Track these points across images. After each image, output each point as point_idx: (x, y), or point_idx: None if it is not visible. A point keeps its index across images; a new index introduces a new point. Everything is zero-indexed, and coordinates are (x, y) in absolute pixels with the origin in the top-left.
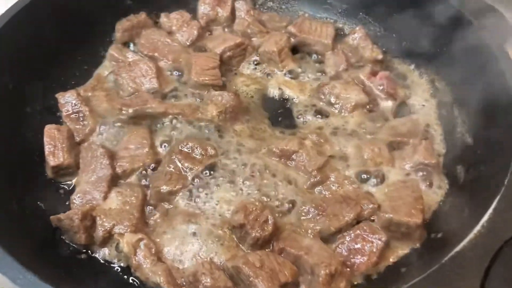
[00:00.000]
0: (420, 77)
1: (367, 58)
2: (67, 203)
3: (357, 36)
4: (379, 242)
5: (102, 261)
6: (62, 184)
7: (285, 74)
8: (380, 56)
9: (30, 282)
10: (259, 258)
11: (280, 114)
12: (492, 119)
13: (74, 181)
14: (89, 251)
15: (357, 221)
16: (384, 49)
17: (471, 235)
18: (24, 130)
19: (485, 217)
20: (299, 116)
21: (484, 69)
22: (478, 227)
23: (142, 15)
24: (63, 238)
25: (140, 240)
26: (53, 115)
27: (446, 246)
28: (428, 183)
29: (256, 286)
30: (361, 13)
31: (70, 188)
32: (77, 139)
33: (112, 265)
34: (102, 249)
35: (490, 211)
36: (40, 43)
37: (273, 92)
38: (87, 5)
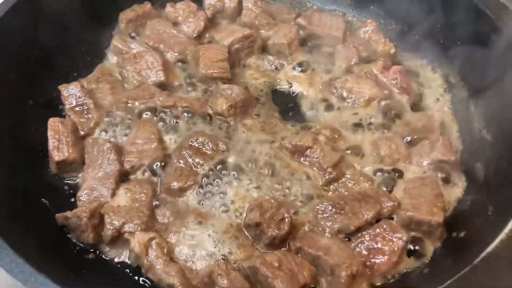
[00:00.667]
0: (433, 72)
1: (379, 52)
2: (72, 200)
3: (368, 29)
4: (400, 241)
5: (111, 262)
6: (66, 180)
7: (294, 67)
8: (392, 50)
9: (41, 284)
10: (277, 258)
11: (291, 108)
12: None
13: (79, 176)
14: (97, 251)
15: (377, 219)
16: (395, 43)
17: (502, 235)
18: (27, 124)
19: None
20: (310, 110)
21: (501, 63)
22: (509, 227)
23: (147, 5)
24: (70, 237)
25: (152, 239)
26: (55, 108)
27: (472, 246)
28: (446, 180)
29: (275, 287)
30: (372, 6)
31: (75, 184)
32: (81, 133)
33: (121, 265)
34: (111, 248)
35: None
36: (42, 34)
37: (283, 85)
38: None
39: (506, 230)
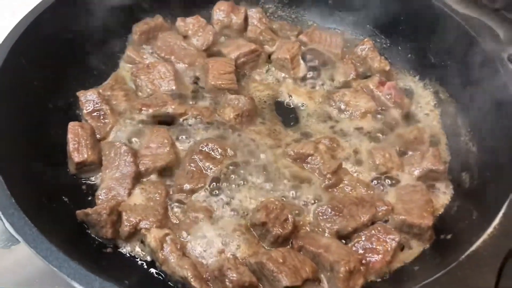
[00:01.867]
0: (425, 88)
1: (375, 69)
2: (89, 198)
3: (365, 47)
4: (393, 242)
5: (127, 255)
6: (84, 180)
7: (296, 81)
8: (387, 67)
9: (74, 270)
10: (281, 255)
11: (292, 119)
12: (496, 128)
13: (95, 177)
14: (115, 245)
15: (372, 222)
16: (390, 60)
17: (484, 236)
18: (47, 127)
19: (496, 220)
20: (310, 121)
21: (487, 81)
22: (490, 229)
23: (159, 19)
24: (89, 232)
25: (167, 235)
26: (73, 112)
27: (458, 246)
28: (435, 188)
29: (280, 281)
30: (368, 25)
31: (92, 184)
32: (98, 136)
33: (136, 259)
34: (127, 243)
35: (500, 214)
36: (62, 44)
37: (285, 97)
38: (106, 7)
39: (488, 231)
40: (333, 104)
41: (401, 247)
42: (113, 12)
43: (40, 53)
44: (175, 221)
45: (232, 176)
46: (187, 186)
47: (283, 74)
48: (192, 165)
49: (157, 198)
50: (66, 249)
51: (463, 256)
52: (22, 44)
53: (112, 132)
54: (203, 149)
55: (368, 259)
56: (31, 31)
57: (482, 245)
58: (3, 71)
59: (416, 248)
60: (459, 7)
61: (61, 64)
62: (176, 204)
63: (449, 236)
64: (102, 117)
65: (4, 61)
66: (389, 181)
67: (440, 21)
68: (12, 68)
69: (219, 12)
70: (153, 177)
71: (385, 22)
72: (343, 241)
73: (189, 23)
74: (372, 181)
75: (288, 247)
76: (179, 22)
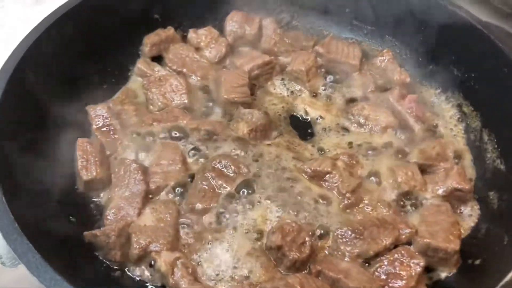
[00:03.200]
0: (447, 101)
1: (395, 81)
2: (97, 217)
3: (385, 58)
4: (417, 267)
5: (137, 279)
6: (93, 199)
7: (312, 93)
8: (408, 79)
9: None
10: (299, 281)
11: (309, 133)
12: None
13: (104, 195)
14: (123, 268)
15: (395, 245)
16: (410, 72)
17: None
18: (55, 143)
19: None
20: (327, 136)
21: None
22: None
23: (171, 30)
24: (97, 254)
25: (178, 258)
26: (82, 127)
27: (488, 273)
28: (460, 208)
29: None
30: (387, 35)
31: (101, 203)
32: (108, 152)
33: (146, 283)
34: (136, 267)
35: None
36: (71, 56)
37: (300, 111)
38: (115, 19)
39: None
40: (352, 118)
41: (425, 272)
42: (123, 24)
43: (48, 66)
44: (186, 243)
45: (246, 194)
46: (199, 206)
47: (298, 87)
48: (204, 183)
49: (168, 219)
50: (71, 274)
51: (497, 287)
52: (30, 57)
53: (121, 148)
54: (216, 166)
55: (391, 285)
56: (39, 44)
57: None
58: (10, 85)
59: (441, 273)
60: (482, 16)
61: (70, 77)
62: (188, 225)
63: (477, 261)
64: (112, 132)
65: (11, 75)
66: (412, 200)
67: (463, 31)
68: (20, 82)
69: (232, 23)
70: (164, 195)
71: (404, 32)
72: (366, 265)
73: (202, 35)
74: (394, 201)
75: (305, 271)
76: (191, 33)
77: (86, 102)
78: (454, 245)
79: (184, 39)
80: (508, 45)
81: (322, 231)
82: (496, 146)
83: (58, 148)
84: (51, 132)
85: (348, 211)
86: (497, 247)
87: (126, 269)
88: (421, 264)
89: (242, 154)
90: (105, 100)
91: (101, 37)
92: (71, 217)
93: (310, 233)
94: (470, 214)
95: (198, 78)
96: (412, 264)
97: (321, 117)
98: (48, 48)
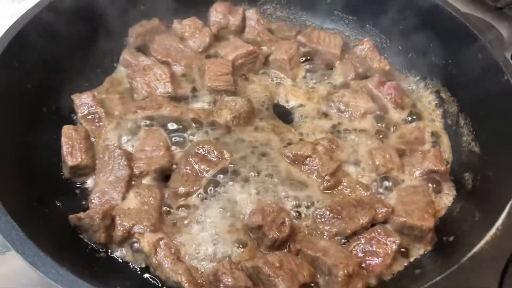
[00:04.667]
0: (426, 88)
1: (374, 69)
2: (83, 203)
3: (365, 47)
4: (393, 245)
5: (121, 260)
6: (78, 184)
7: (294, 82)
8: (387, 67)
9: (61, 276)
10: (278, 259)
11: (290, 120)
12: (498, 128)
13: (89, 181)
14: (108, 250)
15: (372, 224)
16: (390, 60)
17: (487, 237)
18: (41, 130)
19: (499, 221)
20: (309, 122)
21: (489, 80)
22: (493, 230)
23: (155, 21)
24: (82, 237)
25: (160, 239)
26: (67, 116)
27: (460, 248)
28: (437, 189)
29: (277, 286)
30: (367, 25)
31: (86, 188)
32: (93, 139)
33: (130, 264)
34: (120, 248)
35: (503, 215)
36: (56, 46)
37: (283, 99)
38: (101, 10)
39: (490, 232)
40: (332, 105)
41: (401, 249)
42: (109, 14)
43: (33, 56)
44: (169, 225)
45: (228, 178)
46: (182, 189)
47: (281, 75)
48: (187, 167)
49: (152, 202)
50: (56, 254)
51: (464, 258)
52: (15, 47)
53: (106, 135)
54: (199, 151)
55: (368, 262)
56: (25, 34)
57: (485, 247)
58: None
59: (417, 250)
60: (460, 6)
61: (56, 67)
62: (171, 207)
63: (451, 238)
64: (96, 120)
65: None
66: (389, 182)
67: (441, 20)
68: (5, 71)
69: (216, 14)
70: (148, 180)
71: (385, 21)
72: (344, 244)
73: (186, 25)
74: (372, 182)
75: (285, 250)
76: (176, 24)
77: (71, 91)
78: (428, 223)
79: (169, 29)
80: (485, 34)
81: (301, 212)
82: (471, 129)
83: (45, 135)
84: (37, 120)
85: (328, 192)
86: (470, 223)
87: (110, 251)
88: (397, 242)
89: (225, 139)
90: (91, 89)
91: (86, 28)
92: (57, 202)
93: (289, 214)
94: (446, 194)
95: (183, 67)
96: (388, 242)
97: (303, 104)
98: (33, 38)
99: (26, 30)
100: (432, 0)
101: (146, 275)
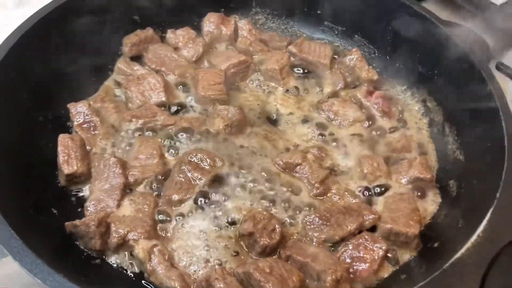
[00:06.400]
0: (412, 97)
1: (363, 78)
2: (79, 210)
3: (353, 57)
4: (380, 251)
5: (116, 267)
6: (74, 192)
7: (285, 91)
8: (375, 77)
9: (59, 283)
10: (268, 265)
11: (282, 128)
12: (481, 137)
13: (85, 188)
14: (103, 257)
15: (359, 230)
16: (378, 70)
17: (468, 244)
18: (37, 139)
19: (481, 227)
20: (299, 131)
21: (474, 90)
22: (474, 236)
23: (150, 31)
24: (77, 244)
25: (154, 246)
26: (63, 124)
27: (444, 254)
28: (422, 196)
29: None
30: (356, 36)
31: (81, 196)
32: (88, 148)
33: (125, 270)
34: (115, 255)
35: (484, 222)
36: (52, 56)
37: (274, 107)
38: (96, 20)
39: (472, 239)
40: (322, 114)
41: (388, 255)
42: (104, 25)
43: (29, 65)
44: (163, 232)
45: (221, 186)
46: (175, 197)
47: (272, 85)
48: (180, 175)
49: (146, 209)
50: (52, 261)
51: (447, 264)
52: (12, 56)
53: (102, 143)
54: (192, 159)
55: (355, 267)
56: (21, 43)
57: (466, 253)
58: None
59: (403, 256)
60: (448, 16)
61: (52, 76)
62: (165, 215)
63: (436, 244)
64: (92, 129)
65: None
66: (377, 189)
67: (427, 31)
68: (2, 80)
69: (209, 24)
70: (142, 188)
71: (373, 32)
72: (332, 250)
73: (179, 35)
74: (360, 190)
75: (275, 256)
76: (170, 34)
77: (67, 100)
78: (414, 230)
79: (163, 39)
80: (471, 44)
81: (292, 219)
82: (456, 138)
83: (41, 143)
84: (33, 129)
85: (317, 199)
86: (454, 230)
87: (105, 257)
88: (384, 248)
89: (218, 147)
90: (85, 98)
91: (82, 37)
92: (53, 209)
93: (280, 221)
94: (431, 202)
95: (176, 76)
96: (375, 248)
97: (293, 113)
98: (29, 48)
99: (23, 41)
100: (418, 12)
101: (141, 281)
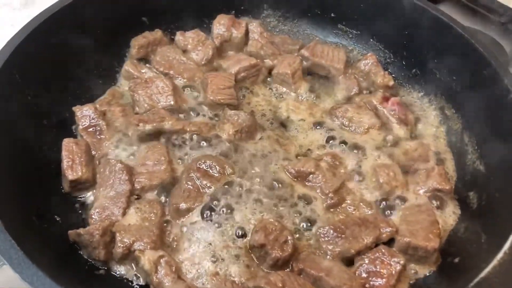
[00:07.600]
0: (430, 104)
1: (378, 84)
2: (83, 217)
3: (368, 62)
4: (398, 265)
5: (120, 278)
6: (78, 198)
7: (297, 96)
8: (391, 83)
9: None
10: (280, 279)
11: (293, 134)
12: (504, 146)
13: (89, 195)
14: (107, 267)
15: (376, 244)
16: (393, 75)
17: (494, 262)
18: (41, 143)
19: (507, 244)
20: (311, 137)
21: (494, 97)
22: (500, 254)
23: (158, 33)
24: (81, 253)
25: (161, 257)
26: (68, 128)
27: (465, 271)
28: (441, 208)
29: None
30: (371, 39)
31: (86, 203)
32: (94, 153)
33: (130, 282)
34: (120, 265)
35: (511, 238)
36: (57, 57)
37: (285, 113)
38: (103, 21)
39: (498, 257)
40: (336, 120)
41: (406, 270)
42: (111, 26)
43: (34, 67)
44: (170, 242)
45: (230, 194)
46: (183, 205)
47: (284, 89)
48: (189, 183)
49: (153, 218)
50: (54, 272)
51: (472, 284)
52: (16, 58)
53: (107, 148)
54: (201, 166)
55: (371, 283)
56: (26, 46)
57: (492, 271)
58: None
59: (421, 271)
60: (464, 21)
61: (57, 79)
62: (172, 224)
63: (456, 260)
64: (98, 133)
65: None
66: (393, 200)
67: (445, 36)
68: (6, 83)
69: (219, 26)
70: (149, 195)
71: (389, 36)
72: (347, 263)
73: (189, 37)
74: (376, 201)
75: (287, 270)
76: (179, 36)
77: (72, 103)
78: (433, 244)
79: (172, 41)
80: (490, 50)
81: (304, 231)
82: (476, 148)
83: (45, 148)
84: (38, 133)
85: (331, 210)
86: (475, 245)
87: (110, 268)
88: (401, 262)
89: (228, 154)
90: (92, 101)
91: (88, 39)
92: (56, 216)
93: (292, 232)
94: (450, 214)
95: (185, 80)
96: (392, 263)
97: (305, 119)
98: (35, 49)
99: (28, 42)
100: (437, 16)
101: None
